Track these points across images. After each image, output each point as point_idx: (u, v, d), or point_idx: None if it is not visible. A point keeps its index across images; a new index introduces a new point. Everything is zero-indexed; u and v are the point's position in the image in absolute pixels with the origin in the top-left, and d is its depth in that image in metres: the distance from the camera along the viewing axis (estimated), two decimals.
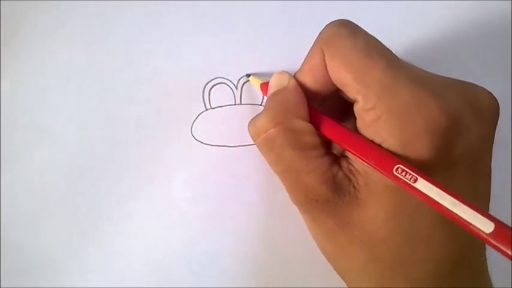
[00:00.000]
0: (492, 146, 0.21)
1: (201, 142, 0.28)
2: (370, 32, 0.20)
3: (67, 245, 0.28)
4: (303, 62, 0.22)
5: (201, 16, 0.28)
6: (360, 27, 0.20)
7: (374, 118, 0.19)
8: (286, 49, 0.28)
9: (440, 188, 0.16)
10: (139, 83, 0.28)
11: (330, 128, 0.21)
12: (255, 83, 0.27)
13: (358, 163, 0.20)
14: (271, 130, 0.20)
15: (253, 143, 0.27)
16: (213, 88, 0.28)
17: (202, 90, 0.28)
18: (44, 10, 0.28)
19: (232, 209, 0.28)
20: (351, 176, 0.20)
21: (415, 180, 0.17)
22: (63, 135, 0.28)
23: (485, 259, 0.22)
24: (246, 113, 0.28)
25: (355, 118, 0.20)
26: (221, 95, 0.28)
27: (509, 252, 0.15)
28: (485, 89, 0.21)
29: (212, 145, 0.28)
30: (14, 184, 0.28)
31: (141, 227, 0.28)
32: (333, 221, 0.20)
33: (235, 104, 0.28)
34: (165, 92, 0.28)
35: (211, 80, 0.28)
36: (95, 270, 0.28)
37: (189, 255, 0.28)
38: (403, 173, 0.17)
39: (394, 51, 0.20)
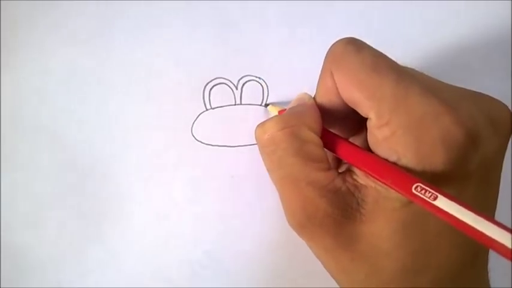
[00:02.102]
0: (504, 157, 0.21)
1: (201, 142, 0.28)
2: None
3: (67, 245, 0.28)
4: (317, 86, 0.22)
5: (201, 16, 0.28)
6: (366, 44, 0.20)
7: (388, 134, 0.18)
8: (287, 49, 0.28)
9: (461, 205, 0.16)
10: (139, 83, 0.28)
11: (343, 148, 0.20)
12: (273, 111, 0.27)
13: (364, 178, 0.20)
14: (278, 132, 0.20)
15: (253, 143, 0.27)
16: (213, 88, 0.28)
17: (202, 90, 0.28)
18: (44, 10, 0.28)
19: (232, 209, 0.28)
20: (356, 192, 0.19)
21: (435, 198, 0.16)
22: (63, 135, 0.28)
23: (487, 263, 0.22)
24: (246, 113, 0.28)
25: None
26: (221, 95, 0.28)
27: None
28: (500, 102, 0.20)
29: (212, 145, 0.28)
30: (14, 184, 0.28)
31: (141, 227, 0.28)
32: (331, 239, 0.20)
33: (235, 104, 0.28)
34: (165, 92, 0.28)
35: (212, 80, 0.28)
36: (95, 270, 0.28)
37: (189, 255, 0.28)
38: (423, 191, 0.17)
39: (400, 62, 0.20)
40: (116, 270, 0.28)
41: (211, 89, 0.28)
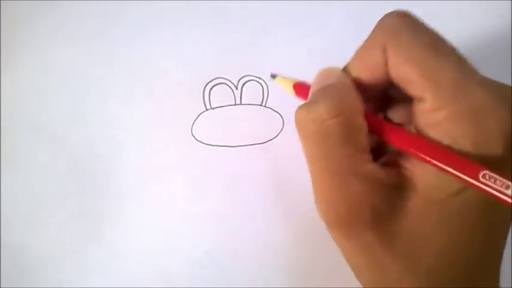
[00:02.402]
0: None
1: (201, 142, 0.28)
2: None
3: (67, 245, 0.28)
4: (356, 57, 0.20)
5: (201, 16, 0.28)
6: (423, 21, 0.19)
7: (444, 118, 0.17)
8: (287, 49, 0.28)
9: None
10: (139, 83, 0.28)
11: (394, 133, 0.18)
12: (284, 84, 0.23)
13: (411, 168, 0.18)
14: (331, 120, 0.18)
15: (253, 143, 0.27)
16: (213, 88, 0.28)
17: (202, 90, 0.28)
18: (44, 10, 0.28)
19: (232, 209, 0.28)
20: (401, 184, 0.18)
21: (507, 187, 0.15)
22: (63, 135, 0.28)
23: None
24: (246, 113, 0.28)
25: (405, 118, 0.19)
26: (221, 95, 0.28)
27: None
28: None
29: (212, 145, 0.28)
30: (14, 184, 0.28)
31: (141, 227, 0.28)
32: (373, 235, 0.18)
33: (235, 104, 0.28)
34: (165, 92, 0.28)
35: (212, 80, 0.28)
36: (95, 270, 0.28)
37: (189, 255, 0.28)
38: (492, 180, 0.15)
39: None
40: (115, 270, 0.28)
41: (211, 89, 0.28)
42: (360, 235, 0.18)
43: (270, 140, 0.28)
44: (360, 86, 0.19)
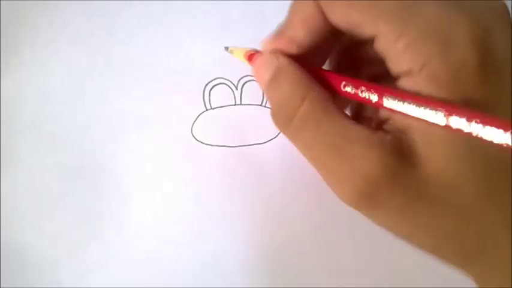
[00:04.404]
0: None
1: (201, 142, 0.28)
2: None
3: (67, 245, 0.28)
4: (289, 17, 0.19)
5: (201, 16, 0.28)
6: None
7: (404, 46, 0.17)
8: None
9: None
10: (139, 83, 0.28)
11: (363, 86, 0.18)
12: (238, 55, 0.23)
13: (402, 120, 0.18)
14: (302, 107, 0.18)
15: (253, 143, 0.27)
16: (213, 88, 0.28)
17: (202, 90, 0.28)
18: (44, 10, 0.28)
19: (233, 209, 0.28)
20: (402, 136, 0.17)
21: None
22: (63, 135, 0.28)
23: None
24: (246, 113, 0.28)
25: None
26: (221, 95, 0.28)
27: None
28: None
29: (212, 145, 0.28)
30: (14, 184, 0.28)
31: (141, 227, 0.28)
32: (399, 196, 0.17)
33: (235, 104, 0.28)
34: (166, 92, 0.28)
35: (212, 81, 0.28)
36: (95, 270, 0.28)
37: (189, 255, 0.28)
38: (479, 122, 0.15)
39: None
40: (115, 270, 0.28)
41: (211, 89, 0.28)
42: (388, 201, 0.18)
43: (270, 140, 0.28)
44: (301, 46, 0.19)
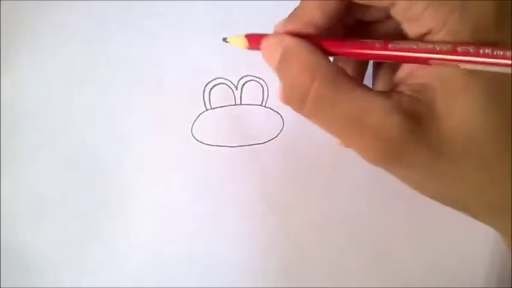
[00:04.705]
0: None
1: (201, 142, 0.28)
2: None
3: (67, 245, 0.28)
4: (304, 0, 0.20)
5: (201, 16, 0.28)
6: None
7: (422, 9, 0.17)
8: None
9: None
10: (139, 83, 0.28)
11: (373, 48, 0.18)
12: (237, 41, 0.22)
13: (418, 78, 0.18)
14: (313, 87, 0.18)
15: (253, 143, 0.27)
16: (213, 88, 0.28)
17: (202, 90, 0.28)
18: (44, 10, 0.28)
19: (232, 209, 0.28)
20: (418, 95, 0.18)
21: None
22: (63, 135, 0.28)
23: None
24: (246, 113, 0.28)
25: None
26: (221, 95, 0.28)
27: None
28: None
29: (212, 145, 0.28)
30: (14, 184, 0.28)
31: (141, 227, 0.28)
32: (425, 153, 0.18)
33: (235, 104, 0.28)
34: (166, 92, 0.28)
35: (212, 81, 0.28)
36: (95, 270, 0.28)
37: (188, 255, 0.28)
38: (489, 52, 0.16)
39: None
40: (115, 270, 0.28)
41: (211, 89, 0.28)
42: (415, 159, 0.18)
43: (270, 140, 0.28)
44: (317, 26, 0.19)
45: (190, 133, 0.28)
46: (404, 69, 0.19)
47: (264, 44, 0.20)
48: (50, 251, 0.28)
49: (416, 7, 0.17)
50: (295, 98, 0.19)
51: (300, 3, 0.19)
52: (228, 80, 0.28)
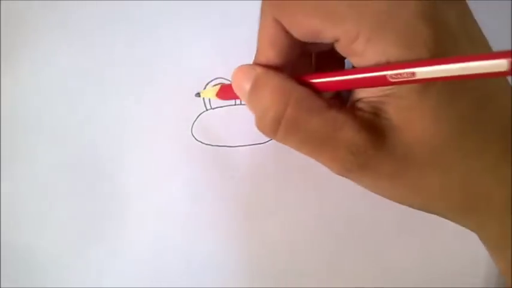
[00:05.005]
0: (473, 18, 0.22)
1: (201, 142, 0.28)
2: None
3: (68, 245, 0.28)
4: (258, 41, 0.21)
5: (201, 16, 0.28)
6: None
7: (364, 44, 0.18)
8: None
9: (445, 63, 0.16)
10: (139, 83, 0.28)
11: (332, 77, 0.19)
12: (209, 94, 0.25)
13: (374, 96, 0.19)
14: (287, 112, 0.19)
15: (253, 143, 0.27)
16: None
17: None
18: (44, 10, 0.28)
19: (232, 209, 0.28)
20: (376, 110, 0.19)
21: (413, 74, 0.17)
22: (64, 135, 0.28)
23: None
24: (246, 113, 0.28)
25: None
26: None
27: None
28: None
29: (212, 145, 0.28)
30: (14, 184, 0.28)
31: (141, 227, 0.28)
32: (387, 163, 0.19)
33: (235, 104, 0.28)
34: (165, 92, 0.28)
35: (212, 80, 0.28)
36: (96, 270, 0.28)
37: (188, 255, 0.28)
38: (398, 76, 0.17)
39: None
40: (116, 271, 0.28)
41: None
42: (379, 169, 0.19)
43: (270, 140, 0.28)
44: (278, 65, 0.20)
45: (190, 133, 0.28)
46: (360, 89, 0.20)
47: (236, 71, 0.21)
48: (50, 251, 0.28)
49: (358, 45, 0.18)
50: (269, 123, 0.20)
51: (257, 40, 0.21)
52: (228, 80, 0.28)
